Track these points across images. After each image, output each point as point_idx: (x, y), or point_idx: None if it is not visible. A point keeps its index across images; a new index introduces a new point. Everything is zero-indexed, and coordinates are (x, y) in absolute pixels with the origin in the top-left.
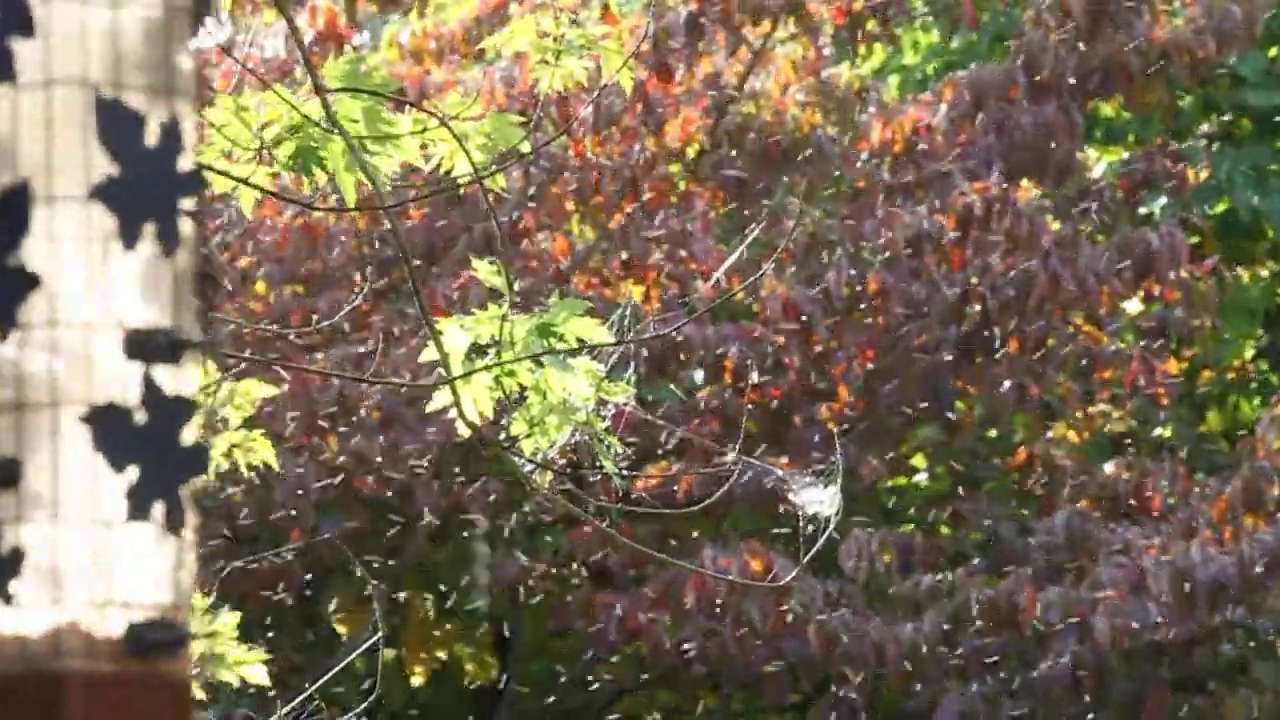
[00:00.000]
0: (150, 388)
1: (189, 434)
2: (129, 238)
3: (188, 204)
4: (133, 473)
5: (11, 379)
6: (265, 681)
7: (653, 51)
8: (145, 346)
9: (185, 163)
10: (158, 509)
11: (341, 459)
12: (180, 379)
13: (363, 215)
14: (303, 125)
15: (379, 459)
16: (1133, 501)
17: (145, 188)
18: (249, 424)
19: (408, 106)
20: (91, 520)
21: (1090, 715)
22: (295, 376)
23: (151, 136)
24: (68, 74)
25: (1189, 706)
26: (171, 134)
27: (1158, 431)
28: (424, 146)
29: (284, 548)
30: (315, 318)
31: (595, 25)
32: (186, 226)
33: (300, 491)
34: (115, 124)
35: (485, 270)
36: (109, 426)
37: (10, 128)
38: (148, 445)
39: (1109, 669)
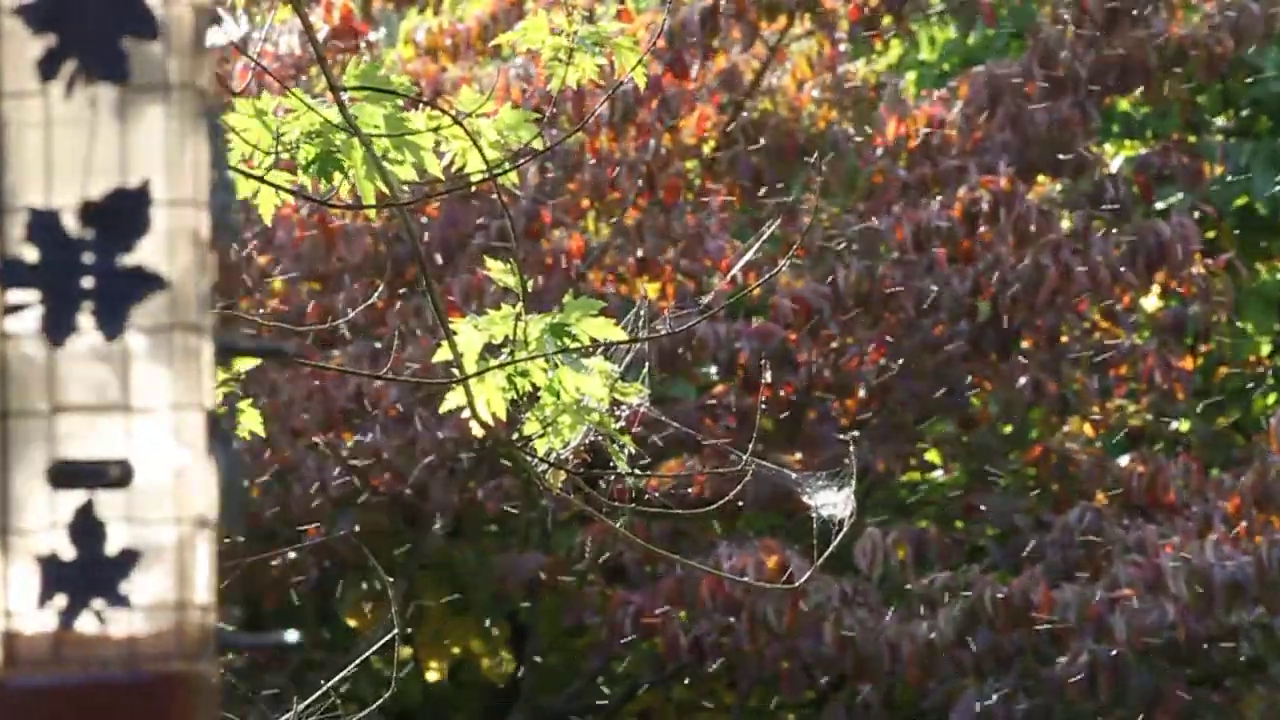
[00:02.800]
0: (225, 391)
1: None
2: (213, 242)
3: (235, 207)
4: (219, 474)
5: (121, 380)
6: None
7: (668, 48)
8: (230, 352)
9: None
10: (228, 512)
11: (357, 457)
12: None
13: (379, 214)
14: (323, 131)
15: (395, 456)
16: (1149, 497)
17: (223, 193)
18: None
19: (422, 104)
20: (195, 523)
21: (1106, 713)
22: (312, 373)
23: (221, 142)
24: (183, 79)
25: (1205, 705)
26: (224, 139)
27: (1173, 426)
28: (438, 144)
29: (300, 544)
30: (330, 316)
31: (610, 22)
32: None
33: (321, 485)
34: (212, 129)
35: (498, 269)
36: (212, 429)
37: (121, 131)
38: (225, 445)
39: (1125, 667)
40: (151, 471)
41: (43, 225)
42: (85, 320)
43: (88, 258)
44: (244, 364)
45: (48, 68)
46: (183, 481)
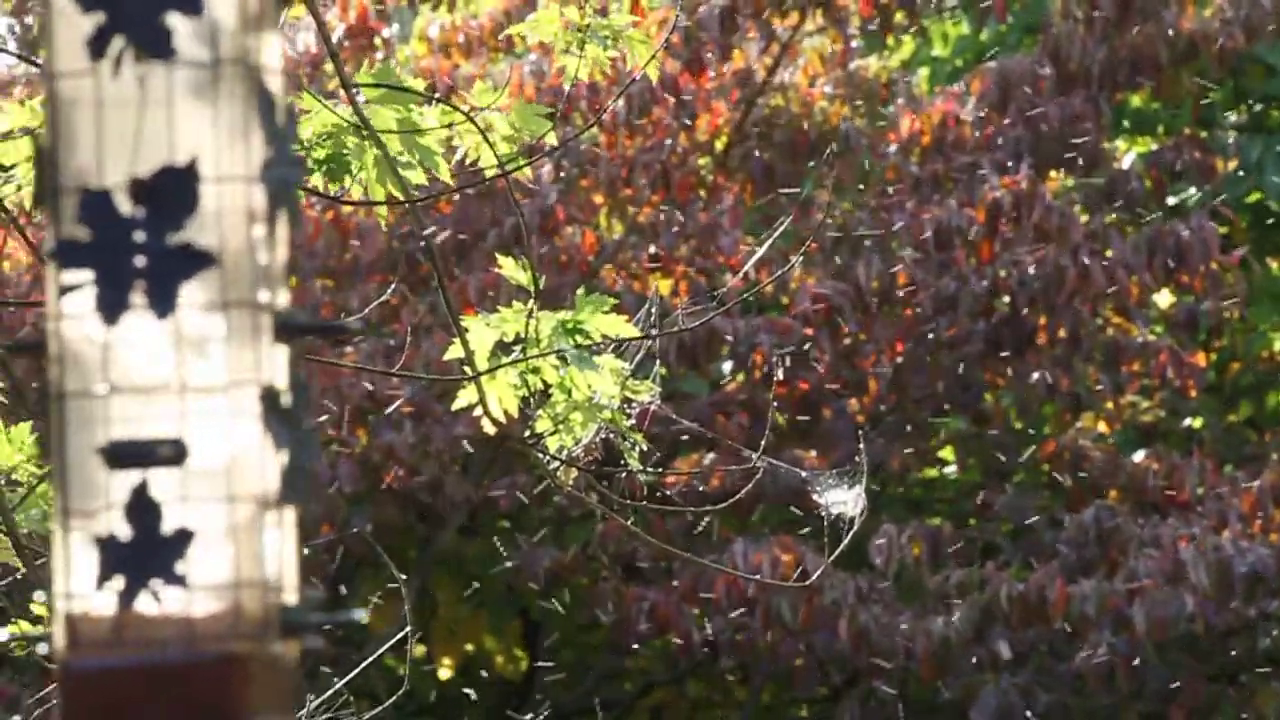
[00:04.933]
0: (291, 370)
1: (310, 419)
2: (272, 220)
3: (300, 188)
4: (284, 455)
5: (174, 359)
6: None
7: (684, 45)
8: (292, 330)
9: (296, 146)
10: (296, 492)
11: (371, 454)
12: (299, 364)
13: (392, 211)
14: (334, 132)
15: (409, 453)
16: (1163, 493)
17: (282, 170)
18: None
19: (435, 100)
20: (255, 501)
21: (1124, 708)
22: (325, 370)
23: (282, 118)
24: (234, 54)
25: (1223, 698)
26: (292, 115)
27: (1186, 423)
28: (450, 140)
29: (314, 541)
30: (344, 313)
31: (622, 16)
32: (301, 211)
33: (335, 482)
34: (266, 106)
35: (510, 267)
36: (272, 409)
37: (168, 107)
38: (292, 427)
39: (1144, 660)
40: (206, 450)
41: (94, 205)
42: (138, 299)
43: (139, 236)
44: None
45: (97, 46)
46: (239, 460)
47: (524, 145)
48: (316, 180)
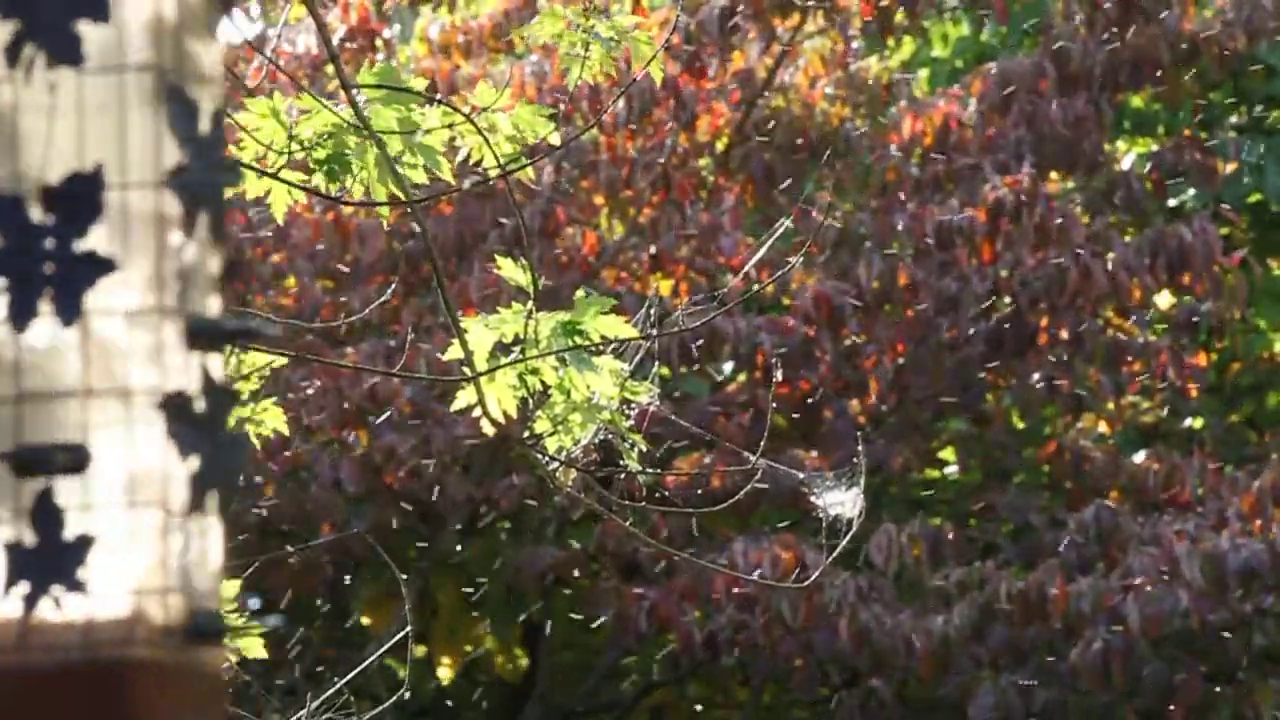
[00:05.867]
0: (207, 376)
1: (233, 424)
2: (189, 226)
3: (230, 194)
4: (194, 461)
5: (79, 366)
6: (263, 655)
7: (684, 46)
8: (205, 335)
9: (226, 152)
10: (211, 499)
11: (372, 455)
12: (221, 368)
13: (392, 212)
14: (335, 132)
15: (409, 454)
16: (1164, 494)
17: (203, 176)
18: (255, 396)
19: (435, 101)
20: (159, 508)
21: (1121, 705)
22: (326, 371)
23: (205, 124)
24: (143, 60)
25: (1219, 695)
26: (219, 122)
27: (1187, 423)
28: (452, 140)
29: (314, 541)
30: (344, 313)
31: (625, 18)
32: (229, 216)
33: (336, 482)
34: (181, 111)
35: (509, 268)
36: (177, 414)
37: (78, 114)
38: (205, 434)
39: (1140, 657)
40: (110, 457)
41: (7, 212)
42: (45, 306)
43: (49, 243)
44: (255, 360)
45: (12, 53)
46: (143, 467)
47: (526, 147)
48: (318, 180)
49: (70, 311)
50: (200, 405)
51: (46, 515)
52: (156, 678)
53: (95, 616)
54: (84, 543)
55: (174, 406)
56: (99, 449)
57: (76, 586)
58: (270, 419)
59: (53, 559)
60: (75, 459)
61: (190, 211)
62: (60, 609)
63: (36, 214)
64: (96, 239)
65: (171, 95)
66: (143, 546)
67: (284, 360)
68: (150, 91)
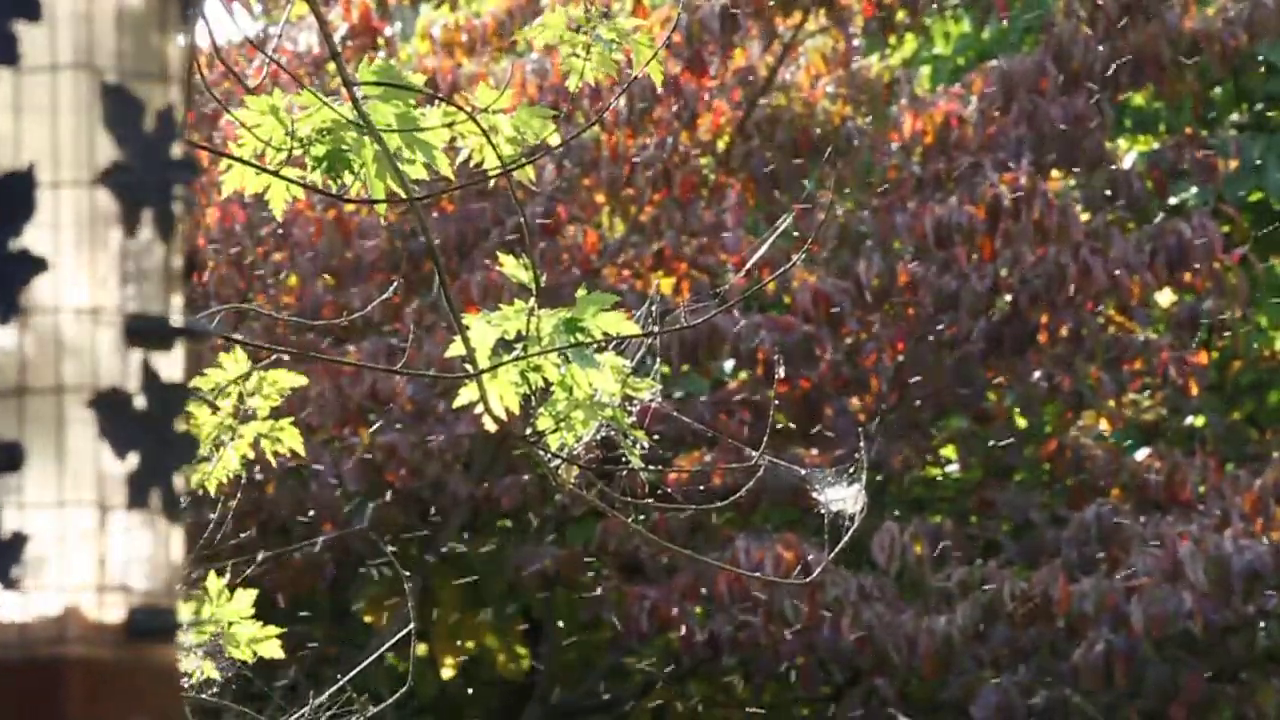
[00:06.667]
0: (149, 374)
1: (182, 422)
2: (130, 224)
3: (180, 190)
4: (133, 459)
5: (14, 364)
6: (279, 655)
7: (686, 45)
8: (144, 333)
9: (179, 149)
10: (155, 496)
11: (373, 453)
12: (173, 366)
13: (393, 210)
14: (334, 128)
15: (411, 452)
16: (1165, 492)
17: (145, 174)
18: (276, 413)
19: (437, 99)
20: (95, 506)
21: (1124, 705)
22: (327, 369)
23: (150, 122)
24: (75, 59)
25: (1223, 696)
26: (167, 120)
27: (1188, 421)
28: (453, 139)
29: (315, 539)
30: (346, 312)
31: (626, 18)
32: (180, 213)
33: (336, 482)
34: (119, 110)
35: (511, 265)
36: (112, 412)
37: (13, 113)
38: (147, 432)
39: (1142, 657)
40: (44, 455)
41: None
42: None
43: None
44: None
45: None
46: (78, 465)
47: (527, 148)
48: (316, 177)
49: (5, 309)
50: (140, 403)
51: None
52: (95, 676)
53: (31, 615)
54: (18, 540)
55: (108, 404)
56: (33, 446)
57: (11, 584)
58: (288, 438)
59: None
60: (8, 457)
61: (131, 210)
62: None
63: None
64: (31, 238)
65: (107, 94)
66: (79, 544)
67: (283, 360)
68: (84, 91)
